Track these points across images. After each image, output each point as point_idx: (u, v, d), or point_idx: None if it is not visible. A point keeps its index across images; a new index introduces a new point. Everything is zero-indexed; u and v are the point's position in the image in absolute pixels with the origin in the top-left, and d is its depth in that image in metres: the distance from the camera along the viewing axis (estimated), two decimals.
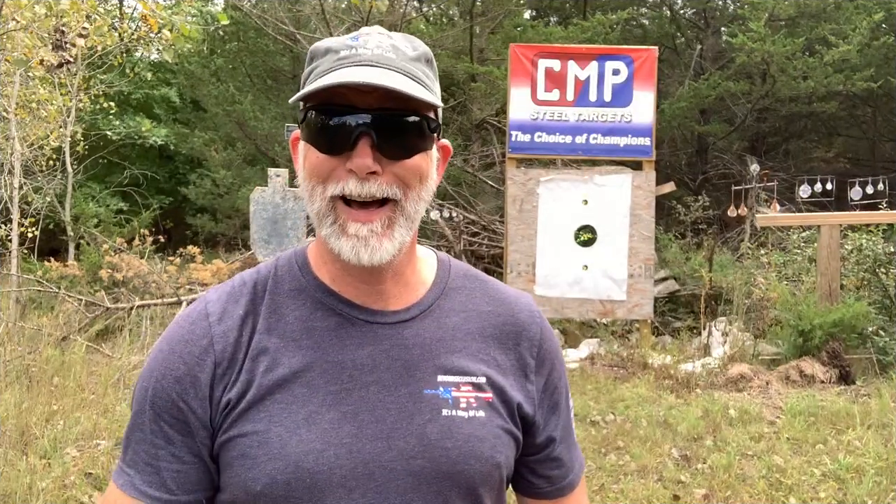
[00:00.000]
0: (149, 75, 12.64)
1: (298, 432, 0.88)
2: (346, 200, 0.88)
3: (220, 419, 0.90)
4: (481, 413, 0.94)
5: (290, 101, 0.91)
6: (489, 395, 0.95)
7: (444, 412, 0.92)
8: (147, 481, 0.90)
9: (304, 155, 0.91)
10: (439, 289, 1.01)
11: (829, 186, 11.88)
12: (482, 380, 0.96)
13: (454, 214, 10.04)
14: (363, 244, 0.87)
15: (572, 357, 6.75)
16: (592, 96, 7.11)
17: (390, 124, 0.87)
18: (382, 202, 0.88)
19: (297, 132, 0.95)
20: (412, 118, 0.88)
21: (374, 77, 0.84)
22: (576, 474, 1.09)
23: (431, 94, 0.91)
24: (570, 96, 7.10)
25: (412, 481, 0.90)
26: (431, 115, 0.92)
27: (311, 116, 0.89)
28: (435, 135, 0.93)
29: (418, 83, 0.89)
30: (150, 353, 0.96)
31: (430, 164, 0.93)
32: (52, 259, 9.71)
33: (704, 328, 7.58)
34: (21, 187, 9.18)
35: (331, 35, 9.48)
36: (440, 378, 0.94)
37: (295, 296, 0.96)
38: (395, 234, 0.89)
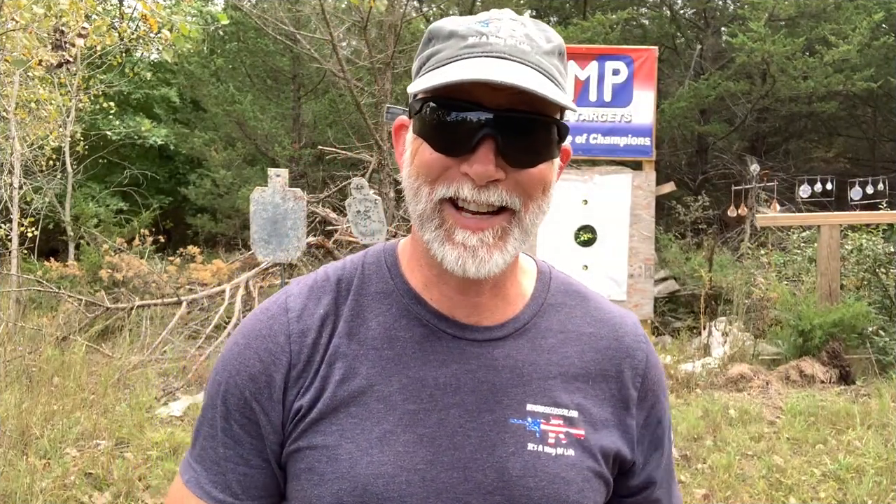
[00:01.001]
0: (148, 75, 12.63)
1: (370, 452, 0.81)
2: (455, 204, 0.79)
3: (290, 426, 0.84)
4: (570, 452, 0.85)
5: (409, 89, 0.81)
6: (581, 431, 0.86)
7: (530, 446, 0.83)
8: (213, 481, 0.86)
9: (414, 149, 0.82)
10: (537, 304, 0.91)
11: (829, 186, 11.90)
12: (575, 413, 0.86)
13: None
14: (471, 254, 0.78)
15: None
16: (592, 96, 7.11)
17: (519, 128, 0.77)
18: (498, 210, 0.79)
19: (402, 119, 0.87)
20: (543, 122, 0.79)
21: (511, 75, 0.74)
22: None
23: (567, 95, 0.81)
24: (569, 96, 7.10)
25: None
26: (559, 118, 0.82)
27: (430, 109, 0.79)
28: (562, 141, 0.83)
29: (553, 82, 0.79)
30: (227, 344, 0.90)
31: (554, 173, 0.84)
32: (51, 259, 9.72)
33: (704, 328, 7.58)
34: (21, 187, 9.18)
35: (331, 35, 9.48)
36: (529, 407, 0.85)
37: (381, 299, 0.88)
38: (509, 246, 0.80)
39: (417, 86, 0.78)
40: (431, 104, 0.79)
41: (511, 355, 0.86)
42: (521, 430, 0.84)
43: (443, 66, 0.78)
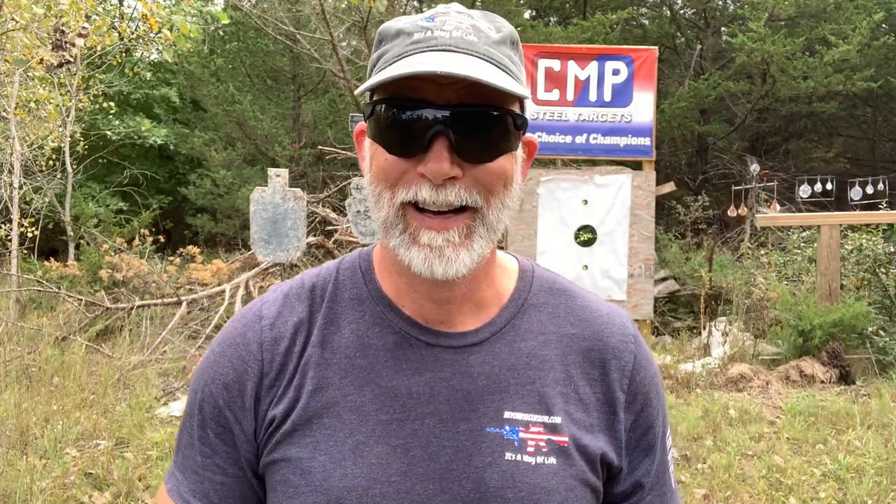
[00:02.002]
0: (148, 75, 12.63)
1: (343, 465, 0.80)
2: (418, 207, 0.77)
3: (264, 436, 0.83)
4: (552, 460, 0.81)
5: (356, 92, 0.80)
6: (564, 438, 0.82)
7: (508, 456, 0.80)
8: (192, 490, 0.86)
9: (371, 155, 0.80)
10: (516, 306, 0.88)
11: (829, 186, 11.91)
12: (557, 420, 0.83)
13: None
14: (437, 255, 0.76)
15: None
16: (592, 96, 7.12)
17: (471, 122, 0.75)
18: (460, 209, 0.77)
19: (362, 124, 0.84)
20: (497, 114, 0.76)
21: (454, 65, 0.72)
22: None
23: (520, 84, 0.79)
24: (570, 96, 7.10)
25: None
26: (517, 109, 0.79)
27: (379, 111, 0.77)
28: (521, 132, 0.80)
29: (504, 71, 0.77)
30: (206, 351, 0.91)
31: (515, 166, 0.81)
32: (51, 259, 9.72)
33: (704, 328, 7.58)
34: (21, 187, 9.18)
35: (331, 35, 9.48)
36: (507, 415, 0.82)
37: (355, 306, 0.87)
38: (475, 244, 0.78)
39: (362, 88, 0.76)
40: (380, 106, 0.77)
41: (487, 361, 0.83)
42: (498, 440, 0.81)
43: (389, 65, 0.77)
